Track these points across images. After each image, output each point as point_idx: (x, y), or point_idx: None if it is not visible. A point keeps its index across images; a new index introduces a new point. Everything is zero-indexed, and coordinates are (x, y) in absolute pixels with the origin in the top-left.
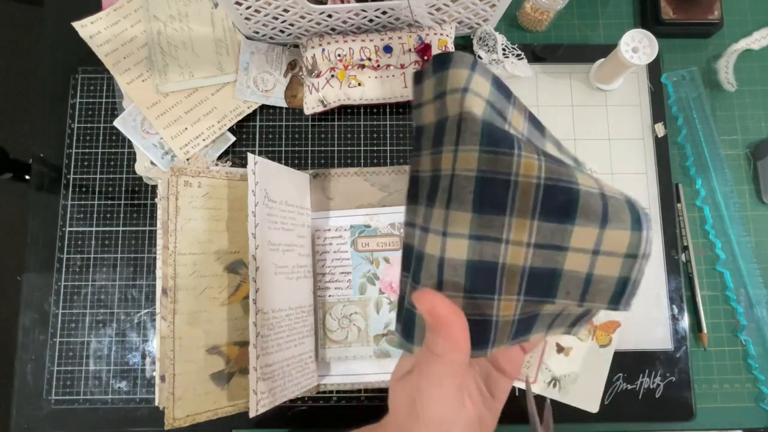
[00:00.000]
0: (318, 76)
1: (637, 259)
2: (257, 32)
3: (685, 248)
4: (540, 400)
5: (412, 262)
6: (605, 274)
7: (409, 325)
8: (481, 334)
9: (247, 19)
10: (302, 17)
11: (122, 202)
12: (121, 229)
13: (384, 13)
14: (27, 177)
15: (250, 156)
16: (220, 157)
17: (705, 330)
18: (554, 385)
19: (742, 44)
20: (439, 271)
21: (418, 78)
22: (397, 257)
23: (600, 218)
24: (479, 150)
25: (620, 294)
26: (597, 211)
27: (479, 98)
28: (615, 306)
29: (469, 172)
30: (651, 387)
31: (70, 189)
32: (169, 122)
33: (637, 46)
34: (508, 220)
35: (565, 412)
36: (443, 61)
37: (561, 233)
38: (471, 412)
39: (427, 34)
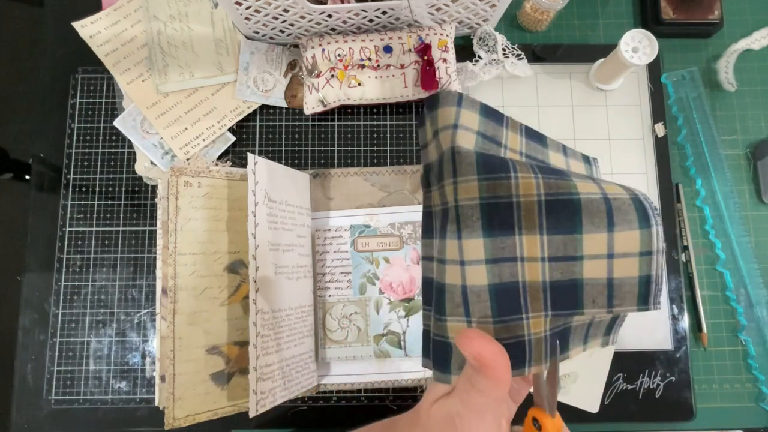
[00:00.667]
0: (318, 76)
1: (653, 255)
2: (257, 32)
3: (685, 248)
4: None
5: (433, 295)
6: (626, 275)
7: (444, 357)
8: (517, 355)
9: (247, 19)
10: (302, 17)
11: (122, 202)
12: (121, 229)
13: (384, 13)
14: (27, 177)
15: (250, 156)
16: (220, 157)
17: (705, 330)
18: None
19: (742, 44)
20: (464, 299)
21: (421, 121)
22: (397, 257)
23: (606, 223)
24: (477, 179)
25: (646, 293)
26: (602, 216)
27: (469, 132)
28: (644, 306)
29: (472, 201)
30: (651, 387)
31: (70, 189)
32: (169, 122)
33: (637, 46)
34: (518, 239)
35: (565, 412)
36: (433, 101)
37: (572, 243)
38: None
39: (427, 34)
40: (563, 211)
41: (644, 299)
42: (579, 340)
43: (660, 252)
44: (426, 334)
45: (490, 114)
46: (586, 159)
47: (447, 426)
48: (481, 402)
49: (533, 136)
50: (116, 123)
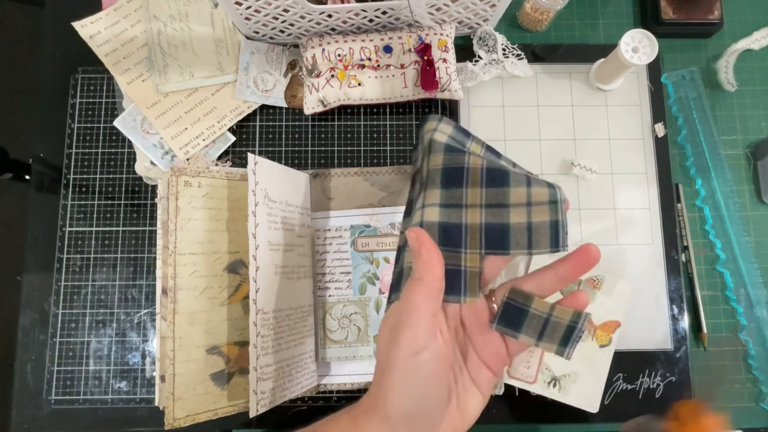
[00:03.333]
0: (318, 76)
1: (558, 204)
2: (257, 32)
3: (685, 248)
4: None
5: (403, 253)
6: (540, 220)
7: (398, 281)
8: (453, 281)
9: (247, 19)
10: (302, 17)
11: (122, 202)
12: (121, 229)
13: (384, 13)
14: (27, 177)
15: (250, 156)
16: (220, 157)
17: (705, 330)
18: (554, 385)
19: (742, 44)
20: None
21: (415, 146)
22: None
23: (526, 183)
24: (443, 154)
25: (556, 235)
26: (523, 179)
27: (444, 134)
28: (556, 248)
29: (437, 166)
30: (651, 387)
31: (70, 189)
32: (169, 122)
33: (637, 46)
34: (464, 191)
35: (565, 412)
36: (422, 121)
37: (502, 194)
38: (441, 345)
39: (427, 34)
40: (498, 174)
41: (555, 241)
42: (533, 333)
43: (562, 201)
44: (393, 283)
45: (461, 130)
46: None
47: (390, 337)
48: (417, 292)
49: (492, 151)
50: (116, 123)
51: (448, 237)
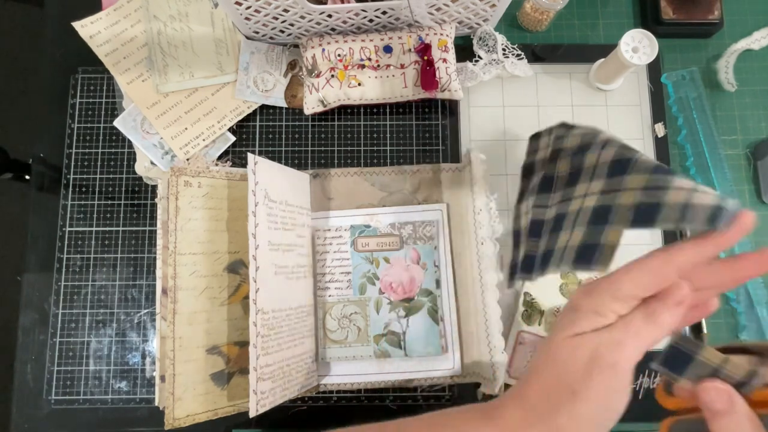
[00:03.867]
0: (318, 76)
1: (726, 198)
2: (257, 32)
3: None
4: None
5: (544, 226)
6: (701, 202)
7: (545, 260)
8: (591, 254)
9: (247, 19)
10: (302, 17)
11: (122, 202)
12: (121, 229)
13: (384, 13)
14: (27, 177)
15: (250, 156)
16: (220, 157)
17: (705, 330)
18: None
19: (742, 44)
20: (576, 216)
21: (537, 135)
22: (396, 257)
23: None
24: (617, 147)
25: (717, 213)
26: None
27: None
28: (713, 225)
29: (608, 158)
30: (651, 387)
31: (70, 189)
32: (169, 122)
33: (637, 46)
34: (626, 177)
35: None
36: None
37: (664, 180)
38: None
39: (427, 34)
40: (665, 167)
41: (713, 219)
42: (696, 379)
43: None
44: (530, 257)
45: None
46: None
47: (590, 362)
48: (651, 331)
49: None
50: (116, 123)
51: (599, 217)
